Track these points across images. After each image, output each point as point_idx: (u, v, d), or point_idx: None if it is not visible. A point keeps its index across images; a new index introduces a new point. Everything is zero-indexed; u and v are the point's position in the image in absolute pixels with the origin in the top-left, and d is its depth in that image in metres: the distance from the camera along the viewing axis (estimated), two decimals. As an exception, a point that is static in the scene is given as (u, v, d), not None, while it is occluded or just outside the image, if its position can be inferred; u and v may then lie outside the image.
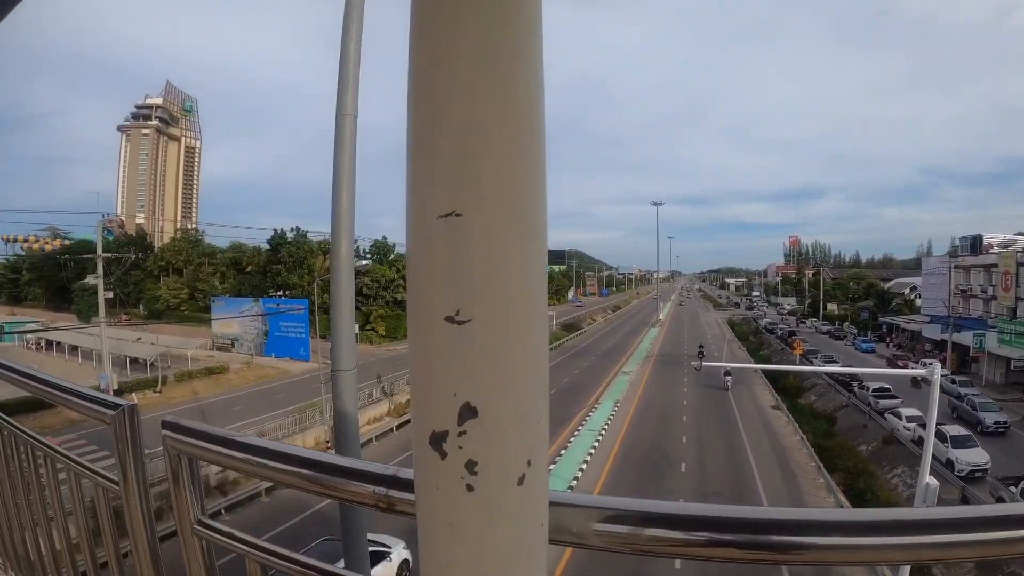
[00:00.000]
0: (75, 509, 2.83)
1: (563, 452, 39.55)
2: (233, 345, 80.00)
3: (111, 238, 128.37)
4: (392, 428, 46.85)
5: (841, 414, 55.01)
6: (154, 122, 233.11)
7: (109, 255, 57.42)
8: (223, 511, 30.58)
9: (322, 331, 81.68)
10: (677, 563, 26.76)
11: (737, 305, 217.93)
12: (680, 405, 55.51)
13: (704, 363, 43.91)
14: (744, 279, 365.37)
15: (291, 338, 75.59)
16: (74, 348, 72.61)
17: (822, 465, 39.36)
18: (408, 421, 32.26)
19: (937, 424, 40.97)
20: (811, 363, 72.70)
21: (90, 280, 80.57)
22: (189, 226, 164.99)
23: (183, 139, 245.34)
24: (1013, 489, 32.47)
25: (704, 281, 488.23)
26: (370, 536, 34.41)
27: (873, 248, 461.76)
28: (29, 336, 79.32)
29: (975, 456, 37.38)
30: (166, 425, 2.30)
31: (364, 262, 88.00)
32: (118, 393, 49.52)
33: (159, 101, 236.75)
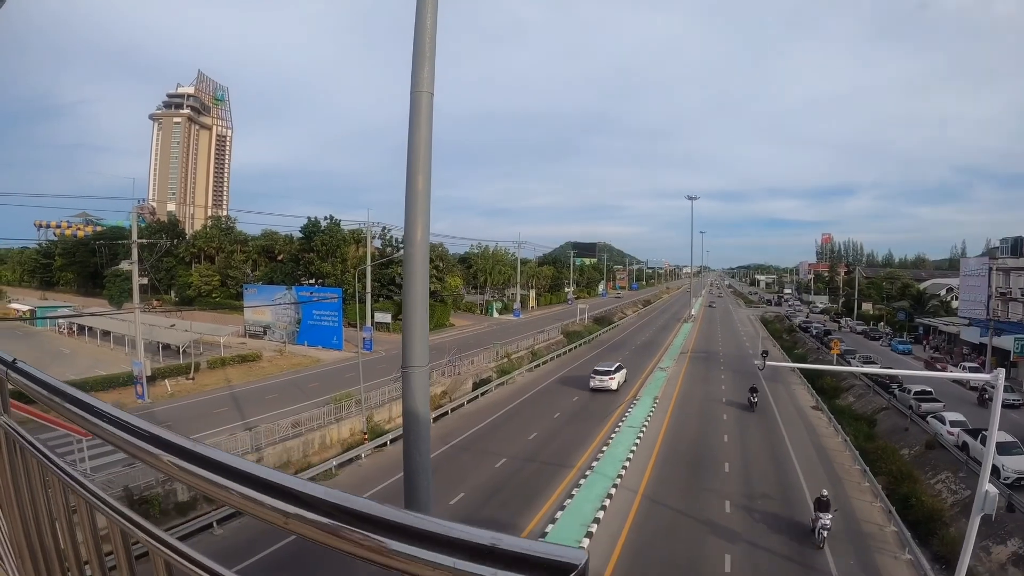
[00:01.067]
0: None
1: (605, 448, 39.19)
2: (265, 333, 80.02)
3: (143, 225, 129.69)
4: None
5: (881, 416, 53.90)
6: (186, 111, 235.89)
7: (142, 241, 57.13)
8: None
9: (352, 319, 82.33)
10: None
11: (769, 303, 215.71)
12: (720, 403, 54.78)
13: (768, 362, 43.44)
14: (774, 276, 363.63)
15: (324, 327, 75.57)
16: (106, 333, 72.86)
17: (867, 469, 38.60)
18: (445, 414, 31.90)
19: (982, 430, 40.50)
20: (848, 363, 71.83)
21: (124, 266, 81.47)
22: (220, 213, 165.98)
23: (214, 128, 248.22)
24: (1062, 497, 31.28)
25: (733, 277, 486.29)
26: (598, 366, 56.54)
27: (905, 247, 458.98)
28: (61, 321, 79.70)
29: (1021, 463, 36.42)
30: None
31: (398, 253, 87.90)
32: (151, 380, 50.51)
33: (191, 90, 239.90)
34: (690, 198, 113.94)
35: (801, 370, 68.84)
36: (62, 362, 60.58)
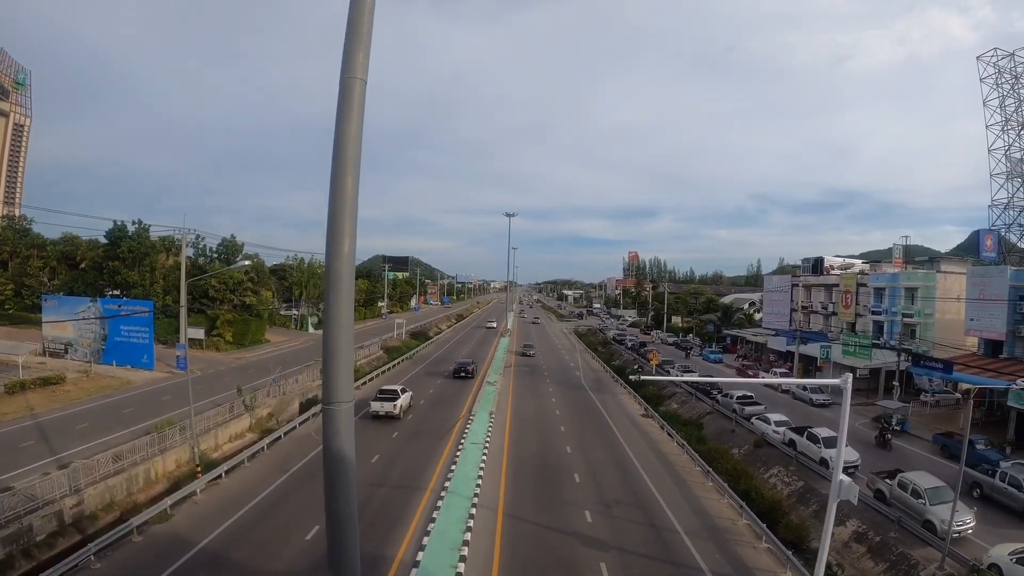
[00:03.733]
0: None
1: (454, 467, 38.16)
2: (67, 351, 72.29)
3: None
4: (263, 448, 42.71)
5: (707, 420, 56.72)
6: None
7: None
8: (92, 557, 25.48)
9: (162, 336, 76.66)
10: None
11: (580, 316, 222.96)
12: (553, 415, 55.44)
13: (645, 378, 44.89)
14: (582, 291, 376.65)
15: (134, 343, 68.96)
16: None
17: (710, 470, 40.13)
18: (279, 438, 29.72)
19: (807, 427, 43.40)
20: (667, 372, 74.87)
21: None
22: (12, 212, 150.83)
23: (12, 115, 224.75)
24: (889, 481, 34.36)
25: (541, 292, 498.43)
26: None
27: (704, 265, 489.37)
28: None
29: (846, 455, 39.03)
30: None
31: (246, 263, 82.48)
32: None
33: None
34: (508, 215, 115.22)
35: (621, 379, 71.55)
36: None
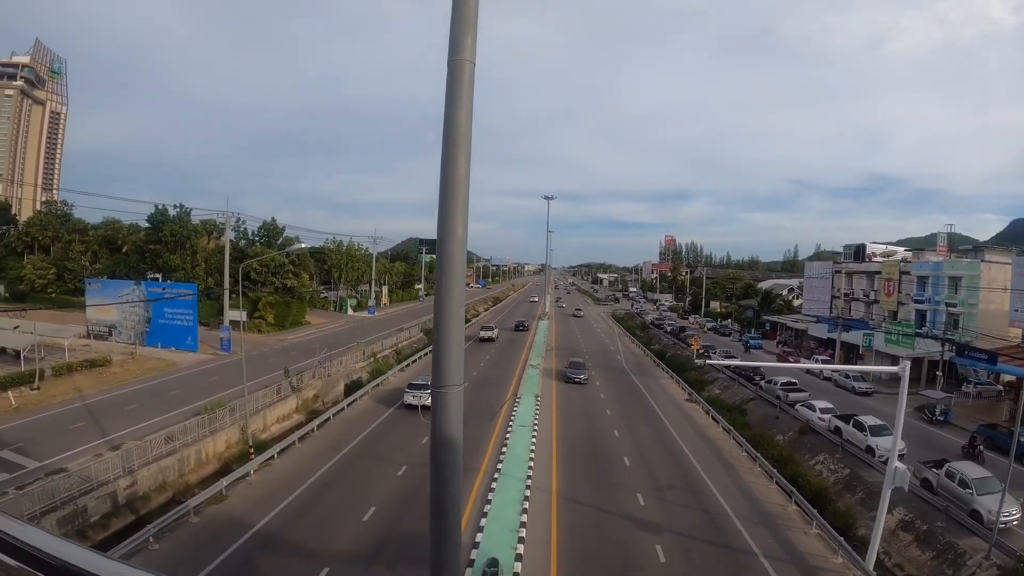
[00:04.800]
0: None
1: (504, 449, 38.41)
2: (111, 333, 73.17)
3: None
4: (313, 429, 43.02)
5: (750, 406, 56.29)
6: (19, 82, 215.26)
7: None
8: (151, 538, 25.77)
9: (204, 318, 77.42)
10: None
11: (616, 300, 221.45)
12: (598, 399, 55.54)
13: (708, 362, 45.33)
14: (617, 275, 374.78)
15: (177, 326, 69.85)
16: None
17: (759, 455, 40.08)
18: (328, 419, 29.88)
19: (853, 415, 42.90)
20: (709, 357, 74.24)
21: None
22: (51, 198, 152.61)
23: (49, 103, 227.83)
24: (936, 471, 34.05)
25: (575, 275, 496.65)
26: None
27: (740, 250, 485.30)
28: None
29: (890, 443, 38.72)
30: None
31: (303, 245, 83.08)
32: None
33: (26, 60, 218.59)
34: (547, 198, 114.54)
35: (663, 364, 71.32)
36: None
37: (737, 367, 66.03)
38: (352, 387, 56.64)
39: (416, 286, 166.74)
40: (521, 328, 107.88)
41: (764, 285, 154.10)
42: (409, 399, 49.42)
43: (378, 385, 57.31)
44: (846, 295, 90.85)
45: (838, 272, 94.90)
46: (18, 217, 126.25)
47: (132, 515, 30.89)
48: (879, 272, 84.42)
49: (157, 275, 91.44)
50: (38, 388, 49.06)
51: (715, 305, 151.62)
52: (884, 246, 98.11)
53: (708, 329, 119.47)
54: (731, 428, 47.11)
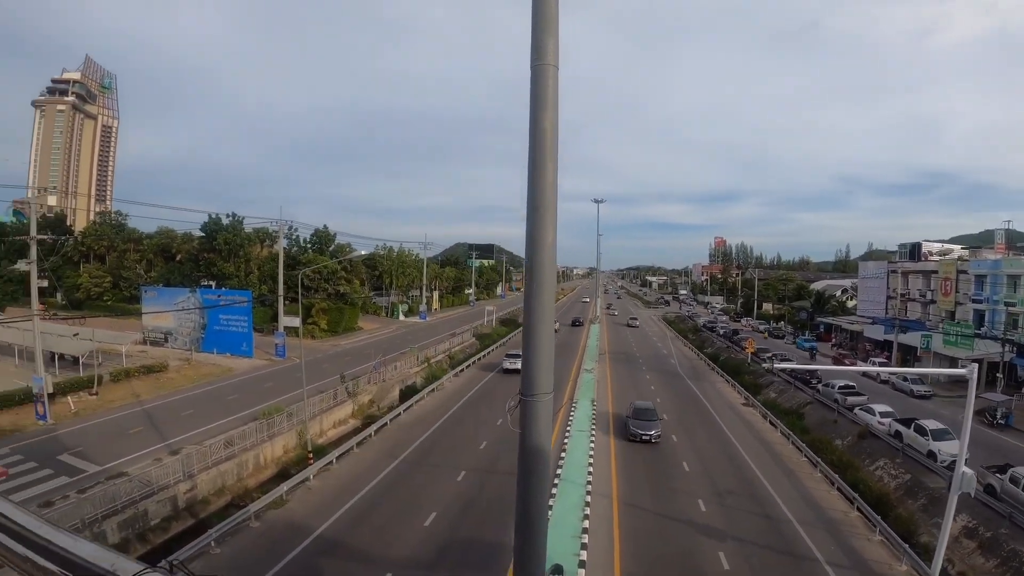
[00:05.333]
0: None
1: (563, 454, 38.22)
2: (167, 339, 74.65)
3: (24, 221, 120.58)
4: (371, 434, 43.15)
5: (807, 410, 55.44)
6: (71, 98, 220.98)
7: (41, 237, 49.70)
8: (213, 543, 26.13)
9: (258, 324, 78.46)
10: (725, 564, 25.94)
11: (667, 303, 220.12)
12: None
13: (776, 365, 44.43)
14: (666, 277, 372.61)
15: (232, 332, 71.09)
16: None
17: (819, 461, 39.63)
18: (385, 424, 29.86)
19: (914, 419, 41.97)
20: (763, 360, 73.57)
21: (21, 266, 74.33)
22: (104, 209, 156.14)
23: (100, 117, 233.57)
24: (1000, 476, 33.15)
25: (623, 279, 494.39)
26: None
27: (789, 251, 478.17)
28: None
29: (953, 447, 37.77)
30: None
31: (360, 253, 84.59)
32: (52, 397, 43.92)
33: (77, 76, 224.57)
34: (596, 201, 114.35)
35: (720, 368, 70.51)
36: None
37: (793, 370, 65.04)
38: (407, 392, 57.08)
39: (466, 291, 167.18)
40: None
41: (816, 286, 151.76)
42: (507, 365, 67.52)
43: (433, 390, 57.55)
44: (902, 295, 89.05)
45: (893, 272, 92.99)
46: (73, 227, 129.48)
47: (192, 519, 31.44)
48: (935, 271, 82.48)
49: (210, 282, 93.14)
50: (97, 393, 50.14)
51: (767, 307, 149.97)
52: (940, 244, 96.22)
53: (761, 331, 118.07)
54: (790, 433, 46.54)
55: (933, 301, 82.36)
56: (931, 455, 38.57)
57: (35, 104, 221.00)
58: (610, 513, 30.38)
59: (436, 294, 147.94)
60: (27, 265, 50.11)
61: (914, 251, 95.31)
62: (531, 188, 6.65)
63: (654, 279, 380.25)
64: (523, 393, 6.79)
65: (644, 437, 42.96)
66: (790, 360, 74.67)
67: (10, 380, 48.85)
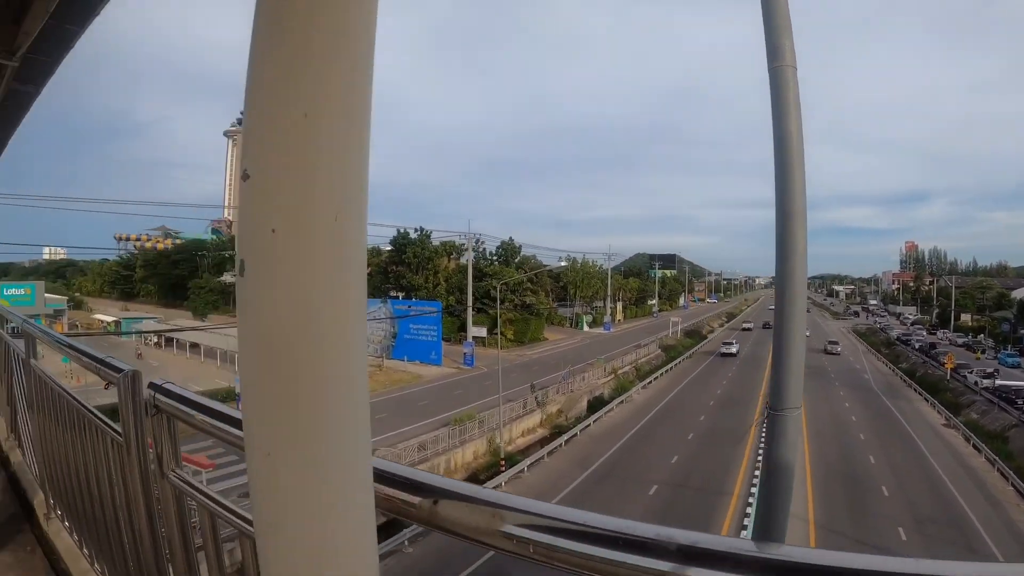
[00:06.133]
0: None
1: (757, 474, 37.64)
2: None
3: (224, 238, 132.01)
4: (561, 444, 44.58)
5: (1012, 433, 51.60)
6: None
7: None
8: (406, 542, 27.71)
9: (445, 333, 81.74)
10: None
11: (856, 314, 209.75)
12: (849, 421, 53.61)
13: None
14: (853, 286, 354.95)
15: (422, 341, 74.63)
16: (194, 346, 71.93)
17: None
18: (575, 435, 30.59)
19: None
20: (964, 377, 69.33)
21: (227, 278, 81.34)
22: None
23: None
24: None
25: (808, 287, 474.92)
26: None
27: (985, 255, 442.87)
28: (147, 332, 78.04)
29: None
30: (152, 386, 2.63)
31: (563, 263, 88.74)
32: None
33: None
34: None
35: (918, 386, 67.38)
36: (152, 376, 58.97)
37: (998, 389, 60.90)
38: (595, 403, 58.04)
39: (649, 302, 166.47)
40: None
41: (1017, 294, 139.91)
42: (724, 350, 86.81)
43: (622, 402, 58.34)
44: None
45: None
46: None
47: (382, 518, 33.38)
48: None
49: (398, 293, 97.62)
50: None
51: (965, 318, 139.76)
52: None
53: (959, 345, 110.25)
54: (996, 458, 43.77)
55: None
56: None
57: (227, 134, 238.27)
58: (806, 537, 30.15)
59: (620, 305, 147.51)
60: (232, 277, 54.85)
61: None
62: (779, 194, 6.68)
63: (840, 288, 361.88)
64: (771, 407, 6.72)
65: None
66: (994, 376, 69.52)
67: (213, 380, 53.76)
